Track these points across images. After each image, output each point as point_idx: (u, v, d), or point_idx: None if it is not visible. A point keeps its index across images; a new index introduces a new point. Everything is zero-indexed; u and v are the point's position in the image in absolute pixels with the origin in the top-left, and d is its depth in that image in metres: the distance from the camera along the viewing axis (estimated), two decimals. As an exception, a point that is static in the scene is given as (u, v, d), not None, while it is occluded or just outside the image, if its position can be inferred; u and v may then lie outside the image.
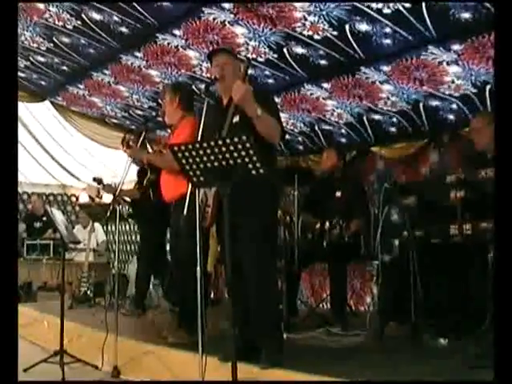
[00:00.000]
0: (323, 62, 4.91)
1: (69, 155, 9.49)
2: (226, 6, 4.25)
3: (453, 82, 4.79)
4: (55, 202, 11.07)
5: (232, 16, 4.38)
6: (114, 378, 3.68)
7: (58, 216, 4.48)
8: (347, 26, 4.26)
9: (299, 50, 4.75)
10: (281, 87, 5.59)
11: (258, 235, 3.11)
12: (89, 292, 6.31)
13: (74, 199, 11.16)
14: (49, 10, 4.76)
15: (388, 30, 4.21)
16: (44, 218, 8.60)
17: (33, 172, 10.14)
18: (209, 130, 3.15)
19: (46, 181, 10.77)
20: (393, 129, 5.92)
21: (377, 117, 5.78)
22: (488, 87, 4.71)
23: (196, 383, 2.95)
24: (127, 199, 5.63)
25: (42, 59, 5.90)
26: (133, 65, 5.63)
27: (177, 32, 4.80)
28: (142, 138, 4.31)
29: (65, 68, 6.06)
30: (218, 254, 5.35)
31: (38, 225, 8.91)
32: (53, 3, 4.62)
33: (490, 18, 3.77)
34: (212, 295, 6.41)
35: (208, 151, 2.51)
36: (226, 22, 4.49)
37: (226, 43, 4.71)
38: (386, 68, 4.83)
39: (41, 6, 4.70)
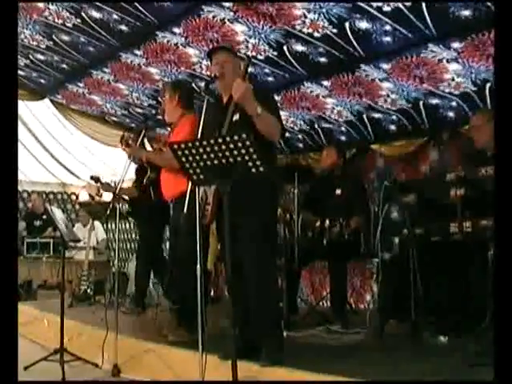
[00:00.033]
0: (323, 59, 4.90)
1: (69, 153, 9.49)
2: (226, 3, 4.25)
3: (453, 79, 4.79)
4: (55, 200, 11.07)
5: (232, 14, 4.37)
6: (115, 376, 3.68)
7: (58, 214, 4.48)
8: (347, 24, 4.26)
9: (299, 47, 4.75)
10: (280, 85, 5.58)
11: (258, 233, 3.11)
12: (89, 290, 6.31)
13: (73, 197, 11.15)
14: (48, 9, 4.76)
15: (388, 27, 4.21)
16: (44, 217, 8.61)
17: (33, 170, 10.14)
18: (209, 128, 3.15)
19: (46, 179, 10.77)
20: (393, 127, 5.91)
21: (377, 115, 5.77)
22: (488, 85, 4.71)
23: (196, 383, 2.95)
24: (126, 197, 5.63)
25: (41, 57, 5.90)
26: (132, 63, 5.63)
27: (176, 30, 4.79)
28: (141, 137, 4.31)
29: (64, 66, 6.06)
30: (218, 252, 5.35)
31: (37, 223, 8.92)
32: (52, 2, 4.62)
33: (490, 15, 3.76)
34: (212, 293, 6.41)
35: (208, 149, 2.51)
36: (226, 20, 4.48)
37: (225, 41, 4.71)
38: (385, 66, 4.83)
39: (40, 4, 4.70)
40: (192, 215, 2.94)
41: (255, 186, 2.96)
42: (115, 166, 8.47)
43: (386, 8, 3.96)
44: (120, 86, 6.32)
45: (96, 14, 4.73)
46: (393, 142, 6.04)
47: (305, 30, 4.44)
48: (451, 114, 5.35)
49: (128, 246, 9.83)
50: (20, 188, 10.11)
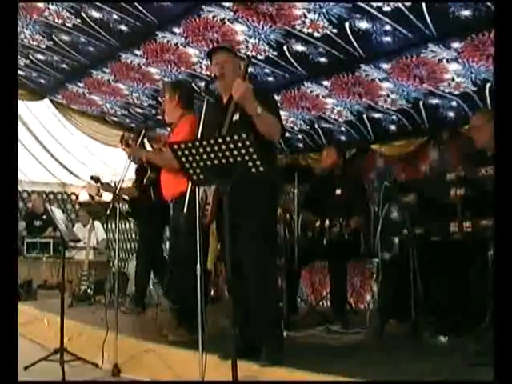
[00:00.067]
0: (323, 59, 4.90)
1: (69, 153, 9.49)
2: (226, 3, 4.25)
3: (453, 79, 4.79)
4: (55, 200, 11.07)
5: (231, 14, 4.38)
6: (115, 376, 3.68)
7: (58, 214, 4.48)
8: (347, 24, 4.26)
9: (299, 47, 4.75)
10: (280, 85, 5.58)
11: (258, 233, 3.11)
12: (89, 290, 6.31)
13: (73, 197, 11.16)
14: (48, 8, 4.76)
15: (388, 27, 4.21)
16: (44, 217, 8.62)
17: (33, 170, 10.15)
18: (209, 128, 3.15)
19: (46, 179, 10.78)
20: (393, 126, 5.92)
21: (377, 115, 5.77)
22: (488, 85, 4.71)
23: (196, 383, 2.95)
24: (126, 197, 5.63)
25: (41, 57, 5.90)
26: (132, 63, 5.63)
27: (176, 30, 4.80)
28: (141, 137, 4.31)
29: (64, 66, 6.06)
30: (218, 252, 5.35)
31: (38, 223, 8.92)
32: (52, 2, 4.62)
33: (490, 15, 3.76)
34: (212, 293, 6.41)
35: (208, 149, 2.51)
36: (226, 20, 4.49)
37: (225, 41, 4.71)
38: (385, 66, 4.83)
39: (40, 4, 4.70)
40: (192, 215, 2.94)
41: (255, 186, 2.96)
42: (115, 165, 8.47)
43: (386, 8, 3.96)
44: (120, 85, 6.32)
45: (96, 14, 4.73)
46: (393, 141, 6.04)
47: (305, 30, 4.44)
48: (451, 113, 5.35)
49: (128, 246, 9.83)
50: (20, 188, 10.12)
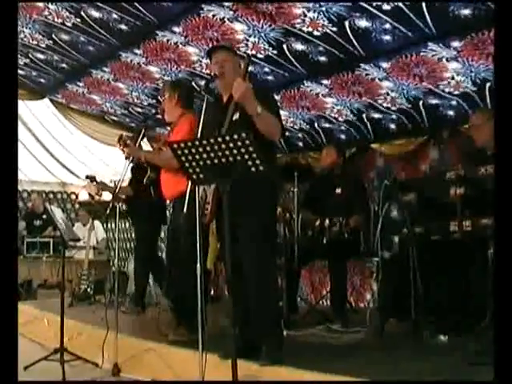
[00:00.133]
0: (323, 58, 4.90)
1: (68, 153, 9.50)
2: (226, 2, 4.24)
3: (452, 78, 4.79)
4: (55, 199, 11.07)
5: (231, 13, 4.37)
6: (115, 375, 3.68)
7: (58, 214, 4.48)
8: (347, 23, 4.26)
9: (299, 46, 4.75)
10: (280, 84, 5.58)
11: (258, 233, 3.10)
12: (89, 290, 6.32)
13: (73, 197, 11.16)
14: (48, 8, 4.76)
15: (388, 26, 4.21)
16: (44, 216, 8.61)
17: (32, 170, 10.14)
18: (208, 127, 3.14)
19: (46, 179, 10.77)
20: (392, 125, 5.91)
21: (376, 114, 5.77)
22: (488, 84, 4.71)
23: (196, 383, 2.95)
24: (122, 196, 5.62)
25: (41, 56, 5.90)
26: (132, 62, 5.63)
27: (176, 29, 4.79)
28: (140, 137, 4.30)
29: (64, 65, 6.06)
30: (217, 252, 5.34)
31: (37, 223, 8.92)
32: (52, 2, 4.62)
33: (490, 14, 3.76)
34: (212, 292, 6.41)
35: (208, 148, 2.50)
36: (226, 19, 4.48)
37: (225, 40, 4.71)
38: (385, 65, 4.83)
39: (40, 3, 4.70)
40: (192, 215, 2.94)
41: (255, 186, 2.96)
42: (115, 165, 8.47)
43: (386, 6, 3.95)
44: (120, 85, 6.32)
45: (96, 14, 4.73)
46: (393, 140, 6.04)
47: (304, 29, 4.44)
48: (451, 112, 5.35)
49: (128, 246, 9.82)
50: (20, 188, 10.11)
